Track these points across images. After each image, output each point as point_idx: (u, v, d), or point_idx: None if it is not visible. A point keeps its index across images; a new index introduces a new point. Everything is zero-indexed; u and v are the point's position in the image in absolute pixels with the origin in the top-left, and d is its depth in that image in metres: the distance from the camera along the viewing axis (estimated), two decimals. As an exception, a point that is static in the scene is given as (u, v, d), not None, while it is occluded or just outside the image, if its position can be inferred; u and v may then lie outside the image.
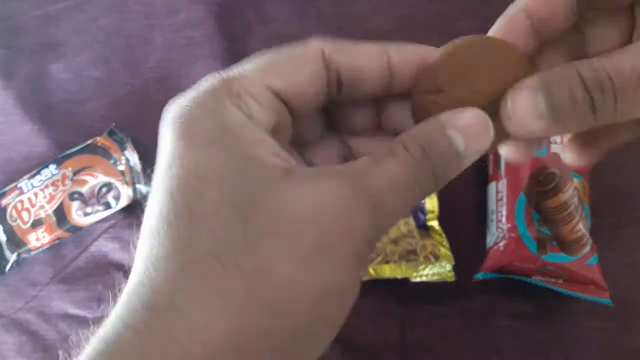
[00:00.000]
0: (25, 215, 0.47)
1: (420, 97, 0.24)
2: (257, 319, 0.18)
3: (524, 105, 0.22)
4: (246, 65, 0.23)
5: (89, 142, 0.48)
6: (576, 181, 0.42)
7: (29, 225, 0.47)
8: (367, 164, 0.21)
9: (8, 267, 0.47)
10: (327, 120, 0.27)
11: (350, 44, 0.24)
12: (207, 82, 0.22)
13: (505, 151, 0.26)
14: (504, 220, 0.42)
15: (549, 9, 0.24)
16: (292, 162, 0.22)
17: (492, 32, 0.25)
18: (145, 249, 0.20)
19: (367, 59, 0.24)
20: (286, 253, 0.19)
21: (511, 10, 0.25)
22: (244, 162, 0.20)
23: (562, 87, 0.21)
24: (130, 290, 0.20)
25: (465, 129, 0.22)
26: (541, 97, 0.21)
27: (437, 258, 0.43)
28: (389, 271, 0.43)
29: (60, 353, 0.21)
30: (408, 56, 0.24)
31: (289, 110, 0.23)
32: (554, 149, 0.42)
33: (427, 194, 0.22)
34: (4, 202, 0.47)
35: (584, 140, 0.25)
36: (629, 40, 0.24)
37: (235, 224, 0.19)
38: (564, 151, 0.25)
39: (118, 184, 0.48)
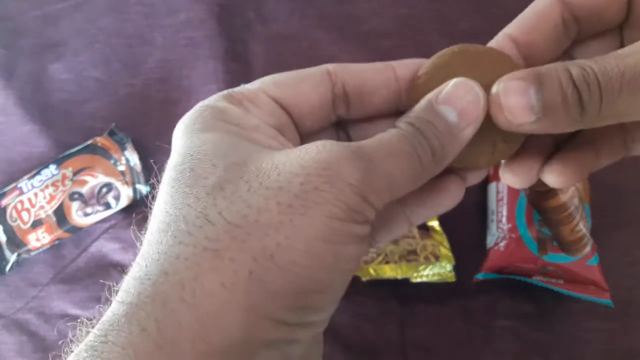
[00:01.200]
0: (25, 215, 0.47)
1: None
2: (249, 268, 0.18)
3: (515, 96, 0.21)
4: (249, 84, 0.25)
5: (89, 142, 0.48)
6: (576, 181, 0.42)
7: (28, 225, 0.47)
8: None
9: (8, 267, 0.47)
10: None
11: (355, 63, 0.25)
12: (211, 97, 0.24)
13: (507, 178, 0.26)
14: (504, 220, 0.42)
15: (530, 37, 0.24)
16: (290, 147, 0.23)
17: None
18: (145, 237, 0.21)
19: (371, 73, 0.25)
20: (273, 201, 0.19)
21: (498, 36, 0.25)
22: (239, 140, 0.22)
23: (553, 81, 0.21)
24: (128, 274, 0.20)
25: (451, 99, 0.22)
26: (532, 89, 0.21)
27: (437, 258, 0.43)
28: (389, 271, 0.43)
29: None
30: (413, 68, 0.25)
31: (293, 119, 0.24)
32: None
33: (429, 170, 0.22)
34: (4, 202, 0.47)
35: (565, 161, 0.25)
36: None
37: (225, 183, 0.20)
38: (544, 172, 0.25)
39: (118, 184, 0.48)
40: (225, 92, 0.24)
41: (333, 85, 0.25)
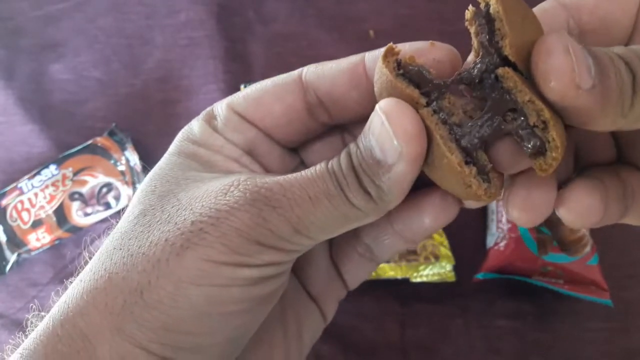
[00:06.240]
0: (25, 215, 0.47)
1: None
2: (124, 297, 0.19)
3: (576, 51, 0.17)
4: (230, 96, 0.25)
5: (89, 142, 0.48)
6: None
7: (28, 225, 0.47)
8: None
9: (8, 267, 0.47)
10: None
11: (330, 62, 0.23)
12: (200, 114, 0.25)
13: (513, 214, 0.21)
14: (504, 220, 0.42)
15: None
16: (255, 167, 0.23)
17: None
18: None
19: (338, 74, 0.22)
20: (164, 237, 0.20)
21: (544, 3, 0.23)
22: (193, 165, 0.22)
23: (602, 55, 0.18)
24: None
25: (373, 129, 0.19)
26: (587, 54, 0.17)
27: (437, 258, 0.43)
28: (389, 271, 0.43)
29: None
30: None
31: (264, 132, 0.24)
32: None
33: (370, 209, 0.20)
34: (4, 202, 0.47)
35: (588, 187, 0.21)
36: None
37: (149, 210, 0.21)
38: (564, 201, 0.21)
39: (118, 184, 0.48)
40: (207, 109, 0.24)
41: (305, 93, 0.22)
